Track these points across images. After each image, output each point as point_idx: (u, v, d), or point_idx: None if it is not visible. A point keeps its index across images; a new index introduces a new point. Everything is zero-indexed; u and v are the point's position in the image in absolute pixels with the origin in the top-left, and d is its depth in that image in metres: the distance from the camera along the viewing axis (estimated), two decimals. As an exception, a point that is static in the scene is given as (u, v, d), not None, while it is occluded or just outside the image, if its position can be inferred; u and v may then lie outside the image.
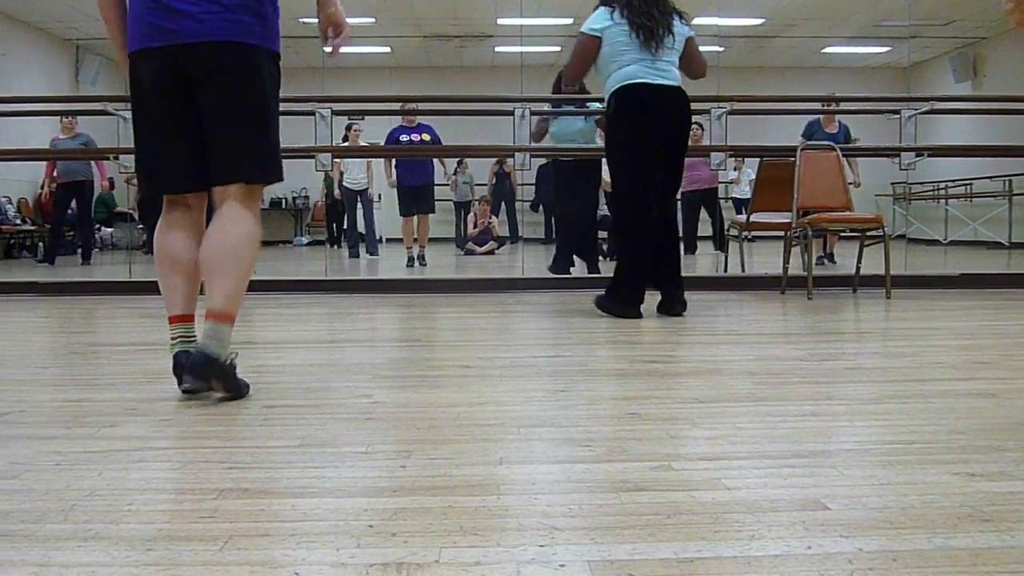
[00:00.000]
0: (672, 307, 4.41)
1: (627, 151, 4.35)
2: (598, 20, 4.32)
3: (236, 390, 2.38)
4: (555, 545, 1.33)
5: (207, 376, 2.32)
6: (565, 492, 1.62)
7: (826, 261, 8.12)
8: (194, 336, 2.49)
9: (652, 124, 4.27)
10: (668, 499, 1.55)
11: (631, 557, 1.29)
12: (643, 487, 1.61)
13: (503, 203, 13.27)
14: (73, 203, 9.60)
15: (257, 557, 1.29)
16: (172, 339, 2.46)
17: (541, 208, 12.41)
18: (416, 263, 8.58)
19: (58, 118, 9.05)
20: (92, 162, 9.51)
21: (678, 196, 4.50)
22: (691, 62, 4.42)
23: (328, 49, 2.60)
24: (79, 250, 9.69)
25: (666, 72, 4.28)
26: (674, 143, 4.37)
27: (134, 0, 2.40)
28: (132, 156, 2.61)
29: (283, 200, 15.48)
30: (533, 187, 11.43)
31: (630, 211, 4.39)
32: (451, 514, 1.47)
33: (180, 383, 2.38)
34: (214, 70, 2.36)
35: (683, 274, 4.52)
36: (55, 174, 9.75)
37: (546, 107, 6.90)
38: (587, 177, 6.86)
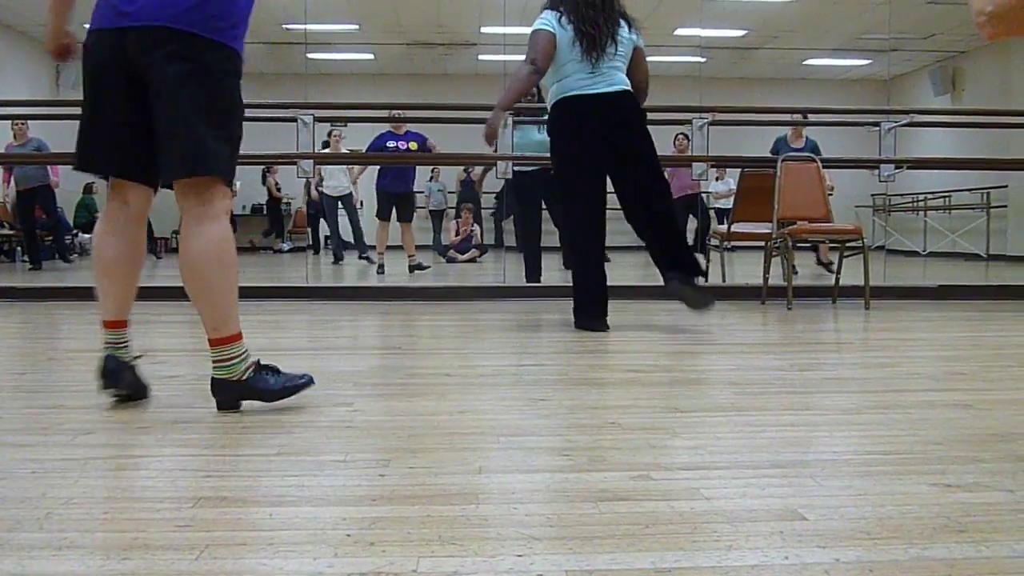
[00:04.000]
0: (689, 295, 4.16)
1: (571, 165, 4.23)
2: (548, 21, 4.19)
3: (271, 396, 2.37)
4: (533, 555, 1.33)
5: (232, 402, 2.34)
6: (544, 501, 1.62)
7: (824, 270, 8.04)
8: (125, 343, 2.42)
9: (595, 135, 4.13)
10: (647, 509, 1.55)
11: (609, 567, 1.29)
12: (622, 497, 1.61)
13: None
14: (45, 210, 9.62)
15: (234, 566, 1.29)
16: (104, 343, 2.41)
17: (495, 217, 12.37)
18: (384, 270, 8.51)
19: (38, 122, 9.02)
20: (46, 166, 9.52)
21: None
22: (635, 71, 4.25)
23: None
24: (56, 255, 9.72)
25: (608, 79, 4.13)
26: (630, 146, 4.17)
27: None
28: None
29: (264, 207, 15.36)
30: (498, 196, 11.29)
31: (576, 225, 4.26)
32: (430, 523, 1.47)
33: (104, 387, 2.38)
34: (157, 55, 2.25)
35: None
36: (12, 182, 9.83)
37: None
38: (546, 189, 6.71)
